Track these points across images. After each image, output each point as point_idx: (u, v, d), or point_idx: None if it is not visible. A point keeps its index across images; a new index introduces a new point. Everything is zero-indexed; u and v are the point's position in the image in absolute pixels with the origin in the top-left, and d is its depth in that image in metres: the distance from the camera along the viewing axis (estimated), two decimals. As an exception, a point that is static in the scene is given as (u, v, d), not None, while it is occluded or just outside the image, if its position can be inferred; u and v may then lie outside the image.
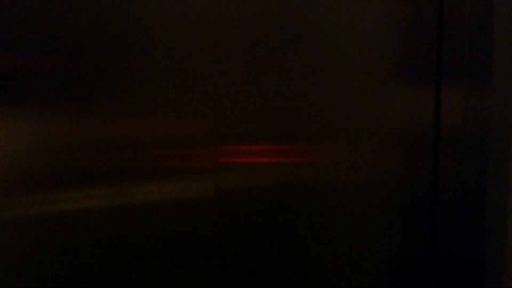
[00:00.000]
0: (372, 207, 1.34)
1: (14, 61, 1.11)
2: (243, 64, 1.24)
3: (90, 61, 1.15)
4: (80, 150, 1.16)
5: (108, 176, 1.18)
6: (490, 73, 1.32)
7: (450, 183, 1.35)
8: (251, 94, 1.25)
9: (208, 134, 1.23)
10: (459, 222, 1.35)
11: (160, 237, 1.23)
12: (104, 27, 1.15)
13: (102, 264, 1.19)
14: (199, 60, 1.21)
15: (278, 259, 1.30)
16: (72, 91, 1.14)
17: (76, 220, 1.17)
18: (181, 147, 1.22)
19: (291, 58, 1.27)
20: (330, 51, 1.29)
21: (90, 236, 1.18)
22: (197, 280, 1.26)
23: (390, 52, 1.32)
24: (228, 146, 1.25)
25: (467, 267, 1.35)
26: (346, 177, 1.32)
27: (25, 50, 1.11)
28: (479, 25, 1.32)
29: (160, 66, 1.19)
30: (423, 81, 1.34)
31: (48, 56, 1.12)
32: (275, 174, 1.28)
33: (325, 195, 1.32)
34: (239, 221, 1.27)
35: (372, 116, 1.32)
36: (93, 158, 1.17)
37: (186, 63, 1.21)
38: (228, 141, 1.25)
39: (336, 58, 1.29)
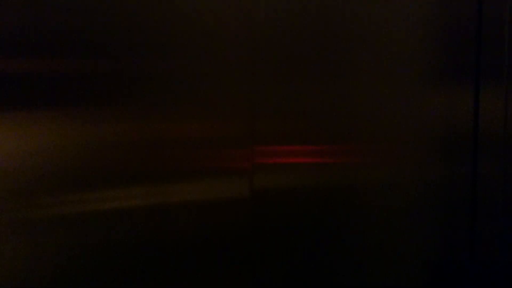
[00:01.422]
0: (410, 208, 1.33)
1: (62, 63, 1.13)
2: (278, 64, 1.24)
3: (129, 64, 1.16)
4: (118, 151, 1.17)
5: (145, 176, 1.19)
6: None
7: (489, 184, 1.33)
8: (287, 94, 1.25)
9: (243, 135, 1.24)
10: (499, 224, 1.34)
11: (195, 237, 1.23)
12: (141, 30, 1.16)
13: (137, 263, 1.20)
14: (234, 62, 1.22)
15: (313, 259, 1.30)
16: (112, 94, 1.16)
17: (113, 219, 1.18)
18: (216, 147, 1.22)
19: (327, 58, 1.26)
20: (368, 52, 1.28)
21: (127, 235, 1.19)
22: (232, 280, 1.26)
23: (428, 52, 1.31)
24: (263, 146, 1.25)
25: (507, 271, 1.33)
26: (382, 178, 1.31)
27: (70, 52, 1.13)
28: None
29: (195, 68, 1.20)
30: (461, 81, 1.33)
31: (91, 59, 1.14)
32: (311, 174, 1.28)
33: (361, 196, 1.31)
34: (275, 221, 1.27)
35: (409, 117, 1.31)
36: (131, 159, 1.18)
37: (221, 64, 1.21)
38: (263, 142, 1.25)
39: (374, 59, 1.29)
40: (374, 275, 1.34)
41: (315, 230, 1.29)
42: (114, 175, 1.18)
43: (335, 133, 1.28)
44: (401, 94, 1.30)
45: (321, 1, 1.25)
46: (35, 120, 1.12)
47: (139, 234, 1.20)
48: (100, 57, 1.14)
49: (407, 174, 1.32)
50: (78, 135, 1.15)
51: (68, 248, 1.16)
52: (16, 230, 1.13)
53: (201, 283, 1.24)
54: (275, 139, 1.26)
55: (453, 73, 1.33)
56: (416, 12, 1.29)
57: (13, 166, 1.11)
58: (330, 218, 1.30)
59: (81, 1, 1.12)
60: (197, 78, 1.20)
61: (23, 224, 1.13)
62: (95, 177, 1.16)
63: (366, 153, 1.30)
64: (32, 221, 1.13)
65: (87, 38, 1.13)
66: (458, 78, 1.33)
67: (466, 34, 1.32)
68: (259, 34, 1.23)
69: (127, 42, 1.15)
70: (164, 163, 1.20)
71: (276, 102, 1.25)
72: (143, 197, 1.20)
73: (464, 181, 1.34)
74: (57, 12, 1.11)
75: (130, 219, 1.19)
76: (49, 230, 1.14)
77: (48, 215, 1.14)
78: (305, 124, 1.26)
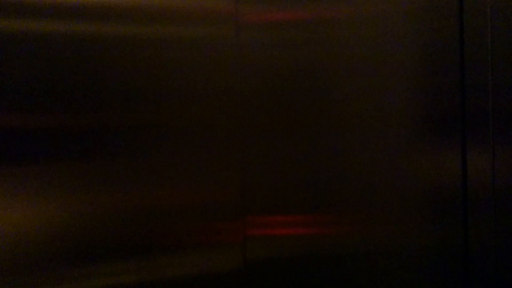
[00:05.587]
0: (404, 274, 1.32)
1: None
2: (269, 132, 1.23)
3: (120, 117, 1.14)
4: (108, 224, 1.16)
5: (137, 250, 1.18)
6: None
7: (481, 244, 1.32)
8: (278, 163, 1.24)
9: (235, 205, 1.23)
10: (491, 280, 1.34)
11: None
12: (135, 80, 1.15)
13: None
14: (224, 129, 1.21)
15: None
16: (102, 159, 1.14)
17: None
18: (208, 219, 1.21)
19: (316, 127, 1.26)
20: (354, 116, 1.28)
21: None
22: None
23: (413, 109, 1.30)
24: (255, 217, 1.24)
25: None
26: (376, 246, 1.30)
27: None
28: (502, 76, 1.30)
29: (185, 136, 1.18)
30: (448, 134, 1.32)
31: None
32: (304, 245, 1.27)
33: (356, 265, 1.30)
34: (269, 293, 1.27)
35: (398, 178, 1.31)
36: (121, 232, 1.17)
37: (211, 132, 1.20)
38: (255, 212, 1.24)
39: (361, 124, 1.28)
40: None
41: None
42: (105, 249, 1.16)
43: (326, 201, 1.28)
44: (391, 156, 1.30)
45: (311, 63, 1.24)
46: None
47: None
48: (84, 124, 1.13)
49: (398, 239, 1.31)
50: (63, 207, 1.13)
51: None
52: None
53: None
54: (267, 210, 1.25)
55: (439, 125, 1.32)
56: (400, 65, 1.29)
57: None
58: None
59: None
60: (188, 148, 1.19)
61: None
62: (86, 252, 1.15)
63: (358, 221, 1.29)
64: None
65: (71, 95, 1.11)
66: (444, 131, 1.32)
67: (450, 86, 1.31)
68: (250, 99, 1.22)
69: (118, 95, 1.14)
70: (156, 236, 1.19)
71: (267, 171, 1.24)
72: (136, 271, 1.18)
73: (455, 243, 1.33)
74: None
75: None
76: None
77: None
78: (297, 193, 1.26)
